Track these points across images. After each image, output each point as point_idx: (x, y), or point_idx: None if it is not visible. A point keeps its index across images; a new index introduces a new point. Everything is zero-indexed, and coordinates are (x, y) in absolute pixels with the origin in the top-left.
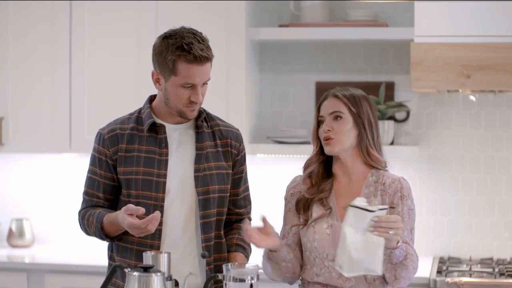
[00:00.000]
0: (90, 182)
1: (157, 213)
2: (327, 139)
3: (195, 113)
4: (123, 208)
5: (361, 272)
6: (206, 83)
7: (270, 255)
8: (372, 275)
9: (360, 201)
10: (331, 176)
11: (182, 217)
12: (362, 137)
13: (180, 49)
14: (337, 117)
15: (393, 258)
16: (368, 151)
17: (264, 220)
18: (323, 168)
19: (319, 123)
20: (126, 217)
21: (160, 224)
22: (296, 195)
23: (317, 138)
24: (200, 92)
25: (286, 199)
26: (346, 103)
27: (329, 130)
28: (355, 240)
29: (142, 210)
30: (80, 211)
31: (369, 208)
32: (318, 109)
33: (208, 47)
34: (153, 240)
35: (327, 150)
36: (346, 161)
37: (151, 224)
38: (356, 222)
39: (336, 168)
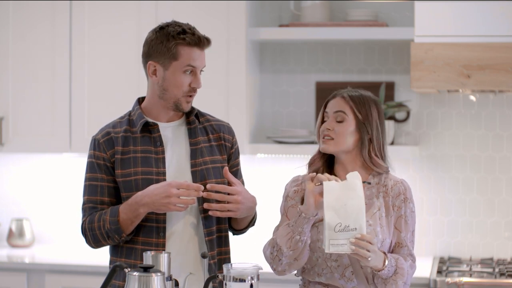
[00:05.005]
0: (92, 189)
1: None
2: (326, 137)
3: (190, 106)
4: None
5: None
6: (202, 71)
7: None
8: (373, 275)
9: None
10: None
11: (184, 213)
12: (363, 143)
13: (183, 33)
14: (340, 117)
15: (382, 275)
16: (371, 157)
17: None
18: (326, 167)
19: (323, 120)
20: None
21: (164, 222)
22: (300, 193)
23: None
24: (199, 78)
25: (288, 196)
26: (352, 106)
27: (329, 129)
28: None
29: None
30: (83, 222)
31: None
32: (325, 106)
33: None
34: (158, 239)
35: (322, 147)
36: (345, 163)
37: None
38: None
39: (337, 169)
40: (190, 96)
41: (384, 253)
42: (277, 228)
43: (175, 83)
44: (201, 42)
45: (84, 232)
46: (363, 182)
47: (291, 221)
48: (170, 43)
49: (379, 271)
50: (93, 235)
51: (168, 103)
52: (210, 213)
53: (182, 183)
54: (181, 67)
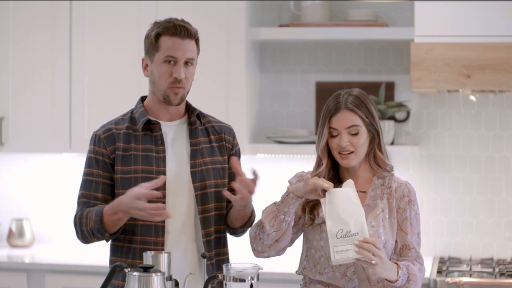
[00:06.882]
0: (87, 184)
1: (162, 205)
2: (345, 152)
3: (179, 98)
4: (136, 188)
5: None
6: (192, 64)
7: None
8: (376, 277)
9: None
10: (339, 180)
11: (182, 213)
12: (373, 143)
13: (164, 24)
14: (354, 130)
15: (396, 285)
16: (375, 155)
17: None
18: (332, 173)
19: (329, 135)
20: (135, 194)
21: (163, 221)
22: None
23: (327, 150)
24: (182, 68)
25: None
26: (360, 115)
27: (348, 144)
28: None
29: (156, 194)
30: (75, 215)
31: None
32: (329, 121)
33: (193, 28)
34: (157, 238)
35: (345, 163)
36: (355, 167)
37: (158, 216)
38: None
39: (342, 173)
40: (176, 87)
41: (396, 263)
42: None
43: (158, 74)
44: (177, 30)
45: (74, 226)
46: (358, 191)
47: (278, 201)
48: (152, 34)
49: (393, 282)
50: (81, 230)
51: (159, 96)
52: (224, 193)
53: (145, 193)
54: (162, 57)
